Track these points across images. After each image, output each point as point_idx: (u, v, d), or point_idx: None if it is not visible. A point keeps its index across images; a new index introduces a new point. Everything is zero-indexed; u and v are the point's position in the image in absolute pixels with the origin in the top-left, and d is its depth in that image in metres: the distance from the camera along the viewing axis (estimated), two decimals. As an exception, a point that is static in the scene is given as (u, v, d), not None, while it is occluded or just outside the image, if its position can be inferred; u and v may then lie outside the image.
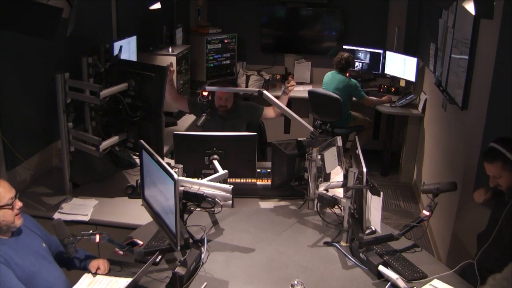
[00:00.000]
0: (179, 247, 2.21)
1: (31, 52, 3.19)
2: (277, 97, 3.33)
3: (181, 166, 2.61)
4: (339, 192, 2.78)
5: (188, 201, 2.40)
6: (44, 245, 2.31)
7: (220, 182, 2.59)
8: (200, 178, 2.69)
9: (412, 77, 5.51)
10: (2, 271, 2.02)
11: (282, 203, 3.12)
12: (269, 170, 3.26)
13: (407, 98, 5.48)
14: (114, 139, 3.24)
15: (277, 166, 3.06)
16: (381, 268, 2.31)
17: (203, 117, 3.65)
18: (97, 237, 2.24)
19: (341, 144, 3.01)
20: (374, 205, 2.38)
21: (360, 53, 6.12)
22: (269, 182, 3.20)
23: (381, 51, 5.96)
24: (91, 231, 2.26)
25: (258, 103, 3.98)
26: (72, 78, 3.06)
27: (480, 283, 2.35)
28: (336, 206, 2.66)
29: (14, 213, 2.15)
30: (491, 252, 2.42)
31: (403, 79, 5.77)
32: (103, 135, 3.28)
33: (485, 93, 3.10)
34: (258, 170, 3.24)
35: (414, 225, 2.56)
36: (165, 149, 3.53)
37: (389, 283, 2.27)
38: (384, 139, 5.93)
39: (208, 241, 2.59)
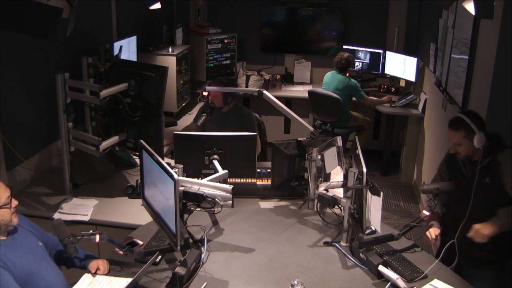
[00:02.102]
0: (179, 247, 2.21)
1: (31, 52, 3.19)
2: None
3: (181, 166, 2.61)
4: (339, 192, 2.78)
5: (188, 201, 2.40)
6: (40, 243, 2.31)
7: (220, 182, 2.59)
8: (200, 178, 2.69)
9: (412, 77, 5.51)
10: (1, 274, 2.02)
11: (282, 203, 3.12)
12: (269, 170, 3.26)
13: (407, 98, 5.48)
14: (114, 139, 3.24)
15: (277, 166, 3.06)
16: (381, 268, 2.31)
17: (203, 117, 3.67)
18: (97, 237, 2.24)
19: (341, 144, 3.01)
20: (374, 205, 2.38)
21: (360, 53, 6.12)
22: (269, 182, 3.21)
23: (381, 51, 5.96)
24: (91, 231, 2.26)
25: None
26: (72, 78, 3.07)
27: (458, 257, 2.49)
28: (336, 206, 2.67)
29: (11, 211, 2.17)
30: (469, 227, 2.50)
31: (403, 79, 5.77)
32: (103, 135, 3.28)
33: (485, 93, 3.10)
34: (258, 170, 3.24)
35: (414, 225, 2.56)
36: (165, 149, 3.53)
37: (389, 283, 2.27)
38: (384, 139, 5.93)
39: (208, 241, 2.59)
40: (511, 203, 2.45)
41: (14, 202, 2.20)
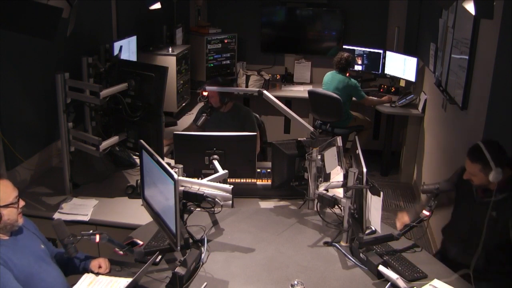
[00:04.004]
0: (179, 247, 2.22)
1: (31, 52, 3.19)
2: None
3: (181, 166, 2.61)
4: (339, 192, 2.78)
5: (188, 201, 2.40)
6: (43, 246, 2.32)
7: (220, 182, 2.59)
8: (200, 178, 2.69)
9: (412, 77, 5.51)
10: (1, 272, 2.03)
11: (282, 203, 3.12)
12: (269, 170, 3.26)
13: (407, 98, 5.48)
14: (114, 139, 3.24)
15: (277, 166, 3.06)
16: (381, 268, 2.31)
17: (203, 117, 3.66)
18: (97, 237, 2.24)
19: (341, 144, 3.01)
20: (374, 205, 2.38)
21: (360, 53, 6.12)
22: (269, 182, 3.20)
23: (381, 51, 5.96)
24: (91, 231, 2.26)
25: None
26: (72, 78, 3.06)
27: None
28: (336, 206, 2.66)
29: (18, 211, 2.19)
30: (464, 247, 2.52)
31: (403, 79, 5.76)
32: (103, 135, 3.28)
33: (485, 93, 3.10)
34: (258, 170, 3.24)
35: (414, 225, 2.57)
36: (165, 149, 3.53)
37: (389, 283, 2.27)
38: (384, 139, 5.93)
39: (208, 241, 2.59)
40: (509, 241, 2.41)
41: (21, 203, 2.22)
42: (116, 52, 3.85)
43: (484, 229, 2.41)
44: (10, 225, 2.17)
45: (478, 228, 2.47)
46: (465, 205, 2.65)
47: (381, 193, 2.31)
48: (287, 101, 5.94)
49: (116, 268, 2.38)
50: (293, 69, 6.46)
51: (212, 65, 5.90)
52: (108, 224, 2.88)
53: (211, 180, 2.58)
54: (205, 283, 2.26)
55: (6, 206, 2.14)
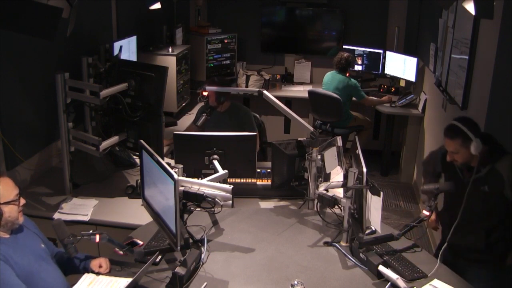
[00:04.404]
0: (179, 247, 2.22)
1: (31, 52, 3.19)
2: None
3: (181, 166, 2.61)
4: (339, 192, 2.78)
5: (188, 201, 2.41)
6: (43, 245, 2.32)
7: (220, 182, 2.59)
8: (200, 178, 2.69)
9: (412, 77, 5.51)
10: (2, 268, 2.03)
11: (282, 203, 3.12)
12: (269, 170, 3.26)
13: (407, 98, 5.48)
14: (114, 139, 3.24)
15: (277, 166, 3.06)
16: (381, 268, 2.31)
17: (203, 117, 3.66)
18: (97, 237, 2.24)
19: (341, 144, 3.01)
20: (374, 205, 2.38)
21: (360, 53, 6.12)
22: (269, 182, 3.20)
23: (381, 51, 5.96)
24: (91, 231, 2.27)
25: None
26: (72, 78, 3.07)
27: (454, 261, 2.55)
28: (336, 206, 2.67)
29: (19, 209, 2.20)
30: (461, 229, 2.55)
31: (403, 79, 5.77)
32: (103, 135, 3.28)
33: (485, 93, 3.10)
34: (258, 170, 3.24)
35: (414, 225, 2.56)
36: (165, 149, 3.53)
37: (389, 283, 2.27)
38: (384, 139, 5.93)
39: (208, 241, 2.59)
40: (510, 209, 2.47)
41: (22, 201, 2.23)
42: (116, 52, 3.85)
43: (463, 202, 2.49)
44: (11, 222, 2.18)
45: (472, 207, 2.53)
46: (457, 191, 2.67)
47: (381, 193, 2.31)
48: (287, 101, 5.94)
49: (116, 268, 2.38)
50: (293, 69, 6.46)
51: (212, 65, 5.90)
52: (108, 224, 2.88)
53: (211, 180, 2.59)
54: (205, 283, 2.26)
55: (7, 203, 2.15)
